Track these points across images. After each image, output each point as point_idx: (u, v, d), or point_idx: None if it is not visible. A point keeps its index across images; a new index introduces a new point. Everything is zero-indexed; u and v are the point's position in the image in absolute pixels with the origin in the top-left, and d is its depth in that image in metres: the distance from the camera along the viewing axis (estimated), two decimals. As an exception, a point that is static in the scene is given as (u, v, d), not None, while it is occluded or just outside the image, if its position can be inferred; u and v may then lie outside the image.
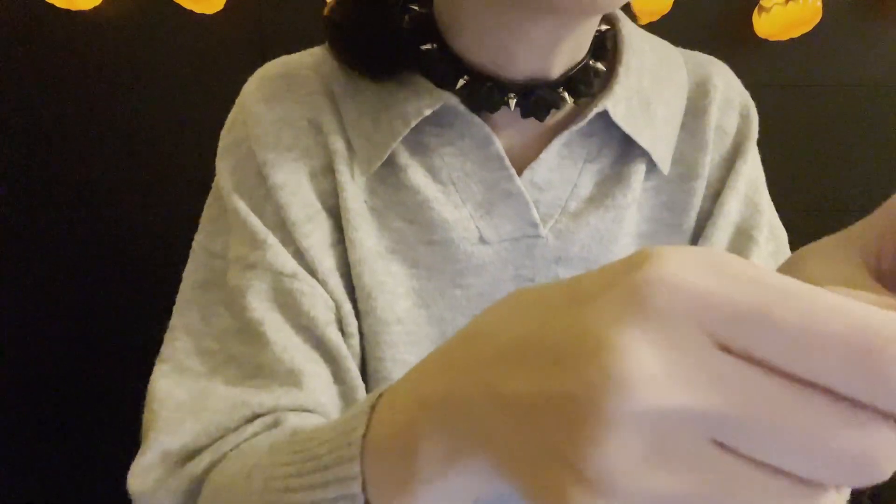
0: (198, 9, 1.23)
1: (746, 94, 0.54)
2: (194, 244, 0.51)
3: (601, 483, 0.18)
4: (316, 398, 0.44)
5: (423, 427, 0.25)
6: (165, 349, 0.48)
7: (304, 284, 0.46)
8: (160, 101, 1.29)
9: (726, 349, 0.17)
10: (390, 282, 0.48)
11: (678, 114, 0.51)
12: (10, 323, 1.36)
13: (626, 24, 0.52)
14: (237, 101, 0.52)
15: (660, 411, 0.17)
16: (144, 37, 1.27)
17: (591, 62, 0.48)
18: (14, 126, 1.30)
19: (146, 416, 0.44)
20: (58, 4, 1.21)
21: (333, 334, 0.46)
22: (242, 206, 0.48)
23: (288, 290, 0.45)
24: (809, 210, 1.34)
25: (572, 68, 0.47)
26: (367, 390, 0.49)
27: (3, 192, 1.32)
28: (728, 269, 0.18)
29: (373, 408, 0.29)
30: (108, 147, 1.31)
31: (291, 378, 0.43)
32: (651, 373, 0.17)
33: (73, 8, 1.22)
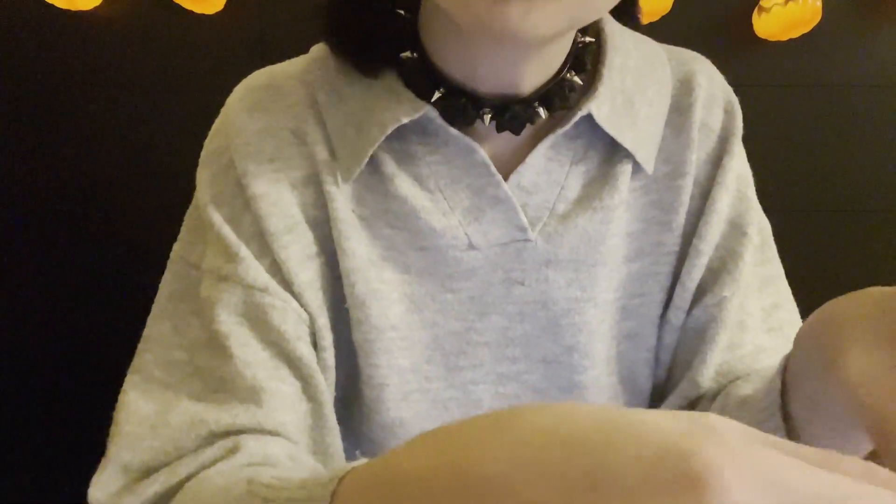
0: (198, 9, 1.23)
1: (730, 90, 0.54)
2: (172, 254, 0.51)
3: None
4: (276, 417, 0.43)
5: None
6: (137, 360, 0.48)
7: (276, 299, 0.45)
8: (160, 101, 1.29)
9: None
10: (384, 289, 0.48)
11: (662, 112, 0.51)
12: (7, 323, 1.36)
13: (609, 22, 0.51)
14: (221, 111, 0.51)
15: None
16: (144, 37, 1.27)
17: (567, 75, 0.47)
18: (13, 126, 1.30)
19: (112, 428, 0.44)
20: (58, 4, 1.21)
21: (304, 349, 0.45)
22: (217, 218, 0.47)
23: (258, 304, 0.45)
24: (808, 210, 1.34)
25: (546, 83, 0.47)
26: (364, 396, 0.49)
27: (2, 191, 1.32)
28: (787, 489, 0.18)
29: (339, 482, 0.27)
30: (107, 147, 1.31)
31: (252, 395, 0.43)
32: None
33: (73, 8, 1.22)
